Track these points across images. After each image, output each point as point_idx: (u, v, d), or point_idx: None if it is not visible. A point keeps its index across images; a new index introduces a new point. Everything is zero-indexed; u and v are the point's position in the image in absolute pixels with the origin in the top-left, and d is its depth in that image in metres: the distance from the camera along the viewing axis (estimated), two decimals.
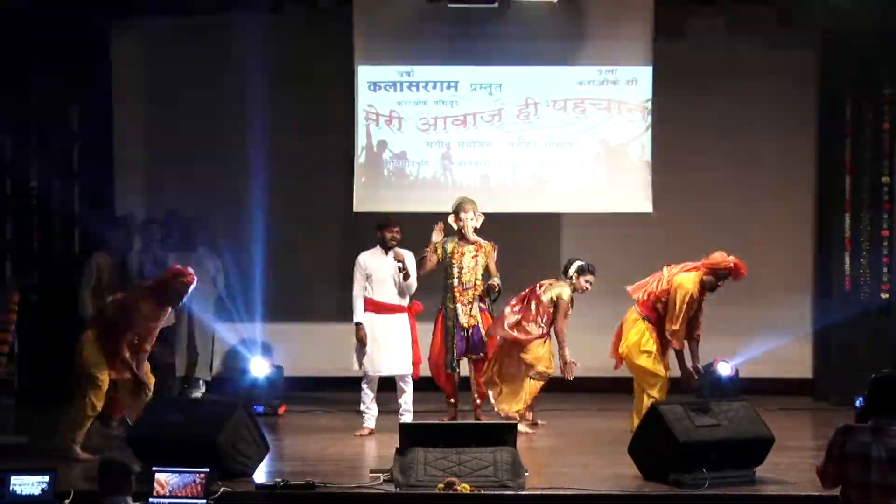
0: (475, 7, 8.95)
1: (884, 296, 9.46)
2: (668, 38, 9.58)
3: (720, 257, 7.88)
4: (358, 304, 8.16)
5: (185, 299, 7.47)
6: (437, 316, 8.43)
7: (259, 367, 9.09)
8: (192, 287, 7.37)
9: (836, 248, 9.63)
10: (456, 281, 8.31)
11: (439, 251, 8.36)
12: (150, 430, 6.68)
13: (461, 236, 8.38)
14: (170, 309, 7.47)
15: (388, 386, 8.32)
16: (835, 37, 9.61)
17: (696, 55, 9.80)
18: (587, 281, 8.28)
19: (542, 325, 8.22)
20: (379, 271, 8.16)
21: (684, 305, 7.79)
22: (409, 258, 8.21)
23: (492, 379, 8.29)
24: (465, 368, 8.47)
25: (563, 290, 8.26)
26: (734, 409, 6.78)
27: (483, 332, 8.34)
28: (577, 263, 8.31)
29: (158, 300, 7.36)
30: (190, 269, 7.41)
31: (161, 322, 7.43)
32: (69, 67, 9.51)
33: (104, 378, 7.25)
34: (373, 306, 8.17)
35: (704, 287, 7.88)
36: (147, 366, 7.44)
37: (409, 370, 8.20)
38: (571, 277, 8.29)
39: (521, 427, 7.93)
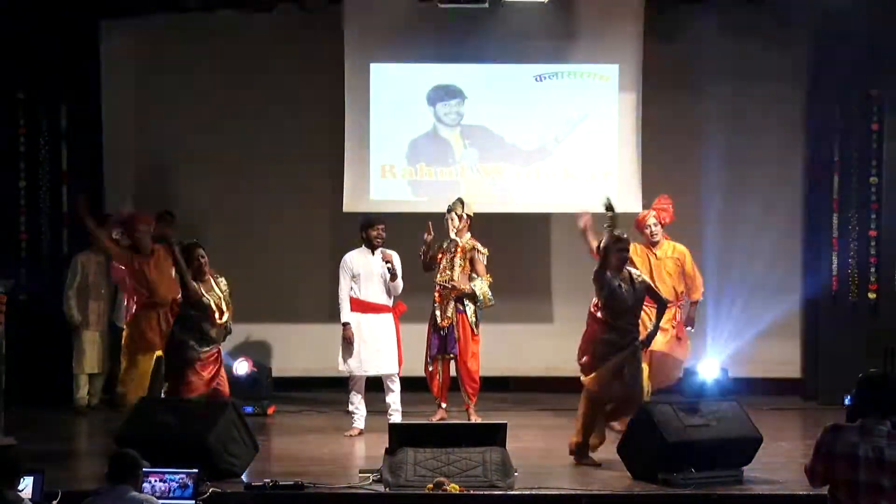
0: (466, 7, 8.95)
1: (871, 296, 9.49)
2: (658, 37, 9.59)
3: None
4: (344, 304, 8.17)
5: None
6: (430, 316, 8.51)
7: (240, 368, 9.03)
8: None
9: (825, 248, 9.66)
10: (435, 281, 8.37)
11: (431, 251, 8.40)
12: (140, 429, 6.66)
13: (449, 237, 8.42)
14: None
15: (376, 386, 8.32)
16: (825, 38, 9.63)
17: (686, 55, 9.81)
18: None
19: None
20: (365, 271, 8.16)
21: None
22: (396, 259, 8.22)
23: None
24: (453, 369, 8.51)
25: None
26: (723, 408, 6.79)
27: (457, 333, 8.36)
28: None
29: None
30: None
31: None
32: (58, 66, 9.50)
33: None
34: (359, 306, 8.17)
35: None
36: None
37: (395, 369, 8.22)
38: None
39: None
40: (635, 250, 8.02)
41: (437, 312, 8.38)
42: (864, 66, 9.48)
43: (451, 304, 8.38)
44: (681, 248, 8.48)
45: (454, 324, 8.38)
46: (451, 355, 8.40)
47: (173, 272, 7.65)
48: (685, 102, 9.84)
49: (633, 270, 7.12)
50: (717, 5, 9.68)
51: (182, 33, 9.80)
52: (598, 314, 7.05)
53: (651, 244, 8.41)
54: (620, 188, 9.56)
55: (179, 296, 7.45)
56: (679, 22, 9.64)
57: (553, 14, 9.30)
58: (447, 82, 9.63)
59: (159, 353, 7.92)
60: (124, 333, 8.37)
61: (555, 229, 10.11)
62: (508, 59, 9.55)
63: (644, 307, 7.24)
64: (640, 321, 7.11)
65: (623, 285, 6.93)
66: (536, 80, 9.59)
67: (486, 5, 8.93)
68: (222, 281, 7.45)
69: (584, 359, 7.10)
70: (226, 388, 7.44)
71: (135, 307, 8.38)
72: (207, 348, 7.28)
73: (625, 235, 7.06)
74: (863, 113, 9.52)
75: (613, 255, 6.92)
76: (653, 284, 7.35)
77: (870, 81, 9.49)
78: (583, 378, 7.10)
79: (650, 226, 8.40)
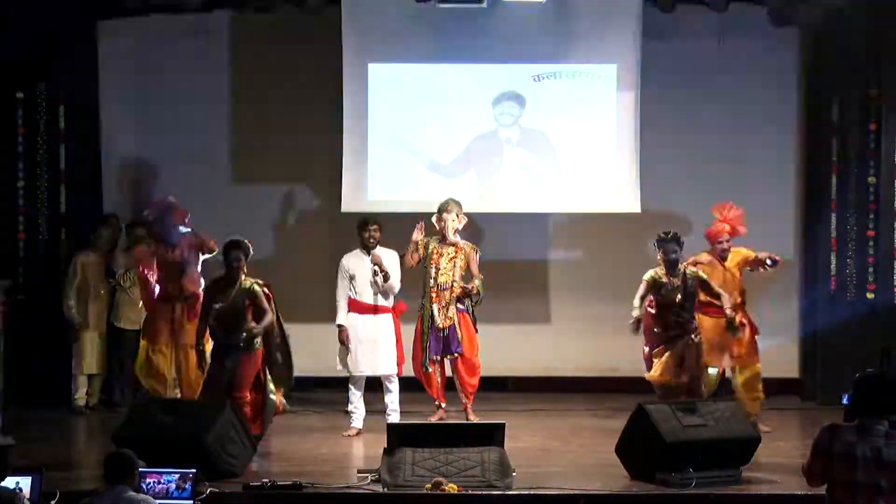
0: (464, 7, 8.95)
1: (870, 296, 9.49)
2: (657, 36, 9.59)
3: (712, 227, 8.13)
4: (341, 307, 8.18)
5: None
6: (419, 316, 8.46)
7: None
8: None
9: (823, 248, 9.66)
10: (432, 282, 8.34)
11: (420, 251, 8.38)
12: (137, 429, 6.67)
13: (442, 237, 8.39)
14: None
15: (375, 386, 8.32)
16: (822, 37, 9.64)
17: (685, 54, 9.81)
18: (664, 252, 7.57)
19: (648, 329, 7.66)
20: (361, 272, 8.17)
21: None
22: (391, 258, 8.21)
23: None
24: (449, 369, 8.50)
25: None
26: (721, 408, 6.80)
27: (459, 332, 8.34)
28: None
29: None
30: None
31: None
32: (57, 66, 9.49)
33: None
34: (356, 307, 8.18)
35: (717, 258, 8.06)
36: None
37: (393, 370, 8.21)
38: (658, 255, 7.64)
39: None
40: (711, 266, 7.97)
41: (437, 313, 8.35)
42: (863, 65, 9.48)
43: (453, 304, 8.36)
44: (743, 251, 8.26)
45: (456, 324, 8.37)
46: (456, 355, 8.38)
47: (198, 266, 8.09)
48: (683, 102, 9.83)
49: (690, 268, 7.56)
50: (715, 4, 9.68)
51: (181, 33, 9.79)
52: (650, 308, 7.54)
53: (721, 258, 8.13)
54: (618, 188, 9.56)
55: (200, 289, 7.85)
56: (677, 21, 9.64)
57: (551, 14, 9.30)
58: (445, 82, 9.63)
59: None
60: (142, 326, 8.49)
61: (553, 229, 10.11)
62: (507, 58, 9.55)
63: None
64: (692, 315, 7.53)
65: (673, 281, 7.42)
66: (535, 79, 9.59)
67: (485, 5, 8.93)
68: (248, 282, 7.49)
69: (645, 351, 7.61)
70: (238, 392, 7.44)
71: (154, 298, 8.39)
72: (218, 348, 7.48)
73: (669, 234, 7.50)
74: (861, 113, 9.52)
75: (661, 255, 7.47)
76: (708, 280, 7.66)
77: (868, 81, 9.49)
78: (647, 375, 7.65)
79: (723, 241, 8.08)
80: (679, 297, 7.44)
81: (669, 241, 7.48)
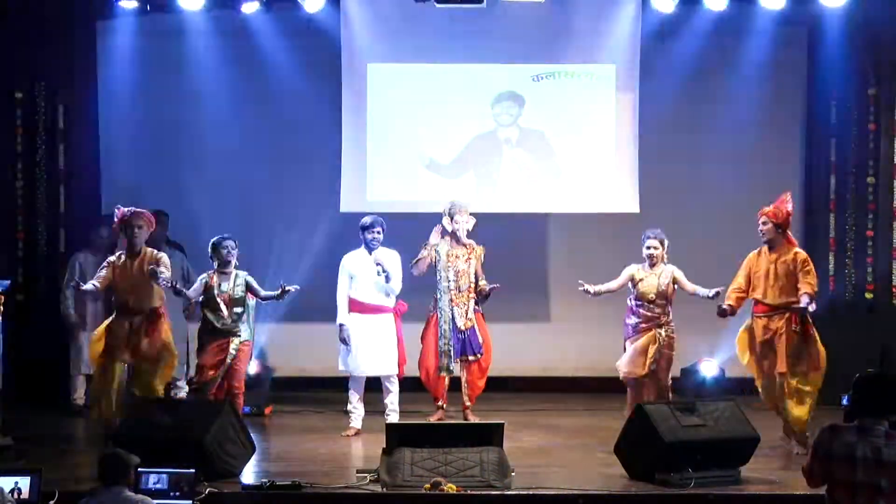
0: (463, 7, 8.96)
1: (868, 295, 9.50)
2: (656, 37, 9.60)
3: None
4: (342, 306, 8.17)
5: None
6: (428, 319, 8.43)
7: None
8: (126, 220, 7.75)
9: (821, 248, 9.66)
10: (452, 284, 8.31)
11: (432, 253, 8.36)
12: (136, 429, 6.66)
13: (454, 239, 8.38)
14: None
15: (375, 386, 8.32)
16: (822, 37, 9.64)
17: (685, 54, 9.81)
18: (645, 246, 7.77)
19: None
20: (363, 272, 8.16)
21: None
22: (393, 259, 8.19)
23: None
24: (456, 370, 8.50)
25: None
26: (720, 408, 6.80)
27: (479, 333, 8.33)
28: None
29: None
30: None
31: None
32: (56, 66, 9.50)
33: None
34: (358, 307, 8.17)
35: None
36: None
37: (394, 370, 8.20)
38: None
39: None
40: (758, 253, 7.69)
41: (456, 315, 8.32)
42: (862, 65, 9.49)
43: (471, 305, 8.35)
44: (801, 256, 7.65)
45: (475, 325, 8.36)
46: (479, 356, 8.36)
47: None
48: (683, 102, 9.84)
49: (669, 267, 7.77)
50: (714, 5, 9.68)
51: (180, 33, 9.79)
52: (628, 300, 7.86)
53: (768, 245, 7.63)
54: (618, 188, 9.57)
55: (160, 305, 7.68)
56: (677, 21, 9.64)
57: (550, 14, 9.32)
58: (444, 82, 9.63)
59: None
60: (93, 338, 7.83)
61: (552, 229, 10.12)
62: (506, 59, 9.55)
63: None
64: (667, 311, 7.74)
65: (649, 277, 7.75)
66: (534, 79, 9.60)
67: (484, 5, 8.94)
68: (242, 275, 7.82)
69: (623, 344, 7.87)
70: (237, 382, 7.65)
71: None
72: (211, 336, 7.68)
73: (654, 232, 7.79)
74: (860, 113, 9.54)
75: (644, 251, 7.78)
76: (680, 278, 7.79)
77: (867, 81, 9.50)
78: (617, 364, 7.83)
79: (759, 224, 7.62)
80: (653, 292, 7.72)
81: (651, 238, 7.80)
